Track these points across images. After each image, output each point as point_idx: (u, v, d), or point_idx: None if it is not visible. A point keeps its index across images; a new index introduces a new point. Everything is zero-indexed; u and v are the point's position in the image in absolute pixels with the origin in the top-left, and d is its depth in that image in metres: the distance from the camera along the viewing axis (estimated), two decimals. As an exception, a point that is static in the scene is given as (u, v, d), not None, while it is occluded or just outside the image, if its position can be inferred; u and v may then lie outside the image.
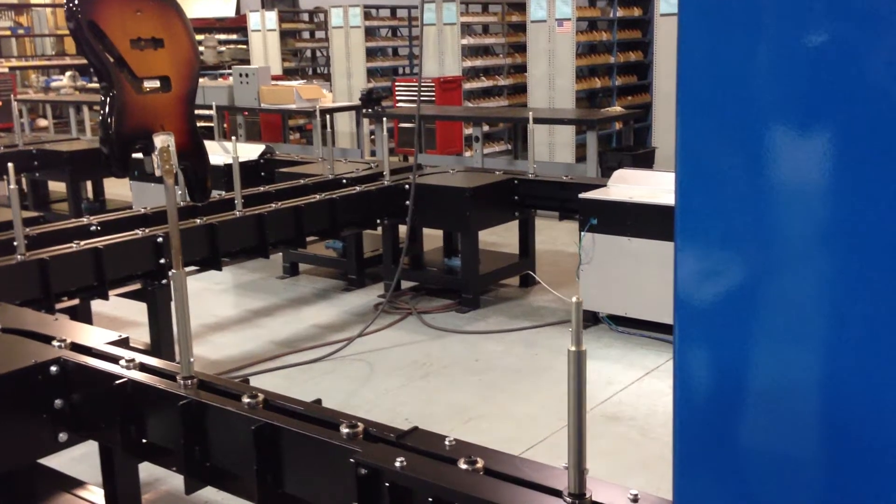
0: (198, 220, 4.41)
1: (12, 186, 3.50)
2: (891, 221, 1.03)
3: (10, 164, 3.56)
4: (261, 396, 2.22)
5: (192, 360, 2.36)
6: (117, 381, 2.35)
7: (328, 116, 7.08)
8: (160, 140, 2.23)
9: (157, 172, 2.28)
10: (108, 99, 2.28)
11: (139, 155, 2.41)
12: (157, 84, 2.37)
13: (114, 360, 2.49)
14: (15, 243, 3.67)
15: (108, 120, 2.28)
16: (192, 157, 2.49)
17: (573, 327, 1.55)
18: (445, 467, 1.89)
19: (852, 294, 1.07)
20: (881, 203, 1.03)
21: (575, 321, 1.54)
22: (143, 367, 2.45)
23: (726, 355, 1.16)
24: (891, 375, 1.07)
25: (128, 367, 2.42)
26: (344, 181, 5.49)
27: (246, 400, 2.20)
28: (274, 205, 4.81)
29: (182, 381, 2.32)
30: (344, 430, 2.03)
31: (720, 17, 1.10)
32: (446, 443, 1.98)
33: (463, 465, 1.87)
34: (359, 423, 2.06)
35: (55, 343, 2.54)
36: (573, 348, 1.57)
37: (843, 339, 1.09)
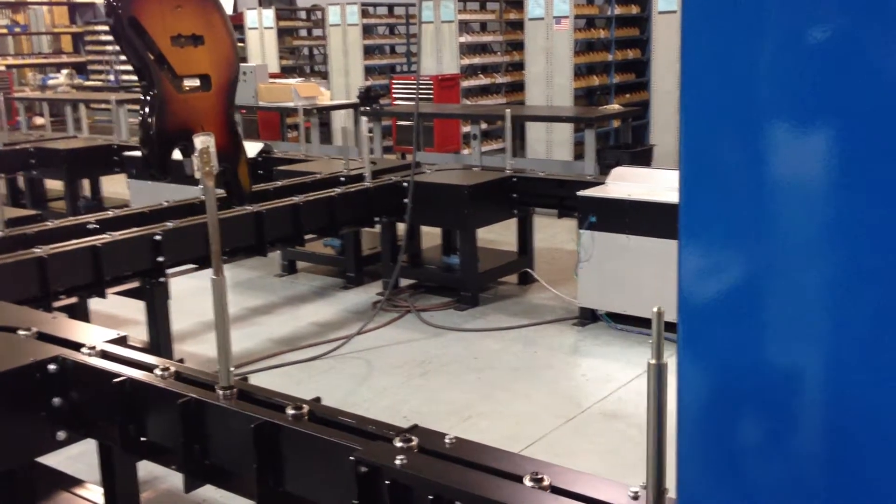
0: (195, 218, 4.40)
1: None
2: (894, 219, 1.03)
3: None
4: (305, 408, 2.10)
5: (231, 369, 2.24)
6: (116, 380, 2.34)
7: (353, 114, 7.04)
8: (200, 141, 2.12)
9: (197, 174, 2.18)
10: (148, 98, 2.20)
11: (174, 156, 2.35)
12: (196, 83, 2.28)
13: (147, 368, 2.38)
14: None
15: (149, 120, 2.20)
16: (231, 158, 2.41)
17: (653, 339, 1.41)
18: (446, 465, 1.89)
19: (856, 292, 1.07)
20: (886, 200, 1.03)
21: (656, 332, 1.41)
22: (180, 377, 2.35)
23: (729, 353, 1.16)
24: (895, 372, 1.06)
25: (163, 377, 2.32)
26: (342, 179, 5.48)
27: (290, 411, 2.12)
28: (272, 202, 4.80)
29: (221, 392, 2.20)
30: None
31: (724, 13, 1.09)
32: (446, 441, 1.97)
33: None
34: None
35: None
36: (653, 361, 1.42)
37: (847, 337, 1.08)
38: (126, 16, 2.12)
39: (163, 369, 2.37)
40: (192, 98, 2.26)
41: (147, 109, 2.22)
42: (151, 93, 2.21)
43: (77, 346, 2.53)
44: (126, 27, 2.13)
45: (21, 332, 2.59)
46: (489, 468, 1.87)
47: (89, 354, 2.48)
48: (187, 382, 2.32)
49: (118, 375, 2.36)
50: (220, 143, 2.20)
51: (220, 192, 2.33)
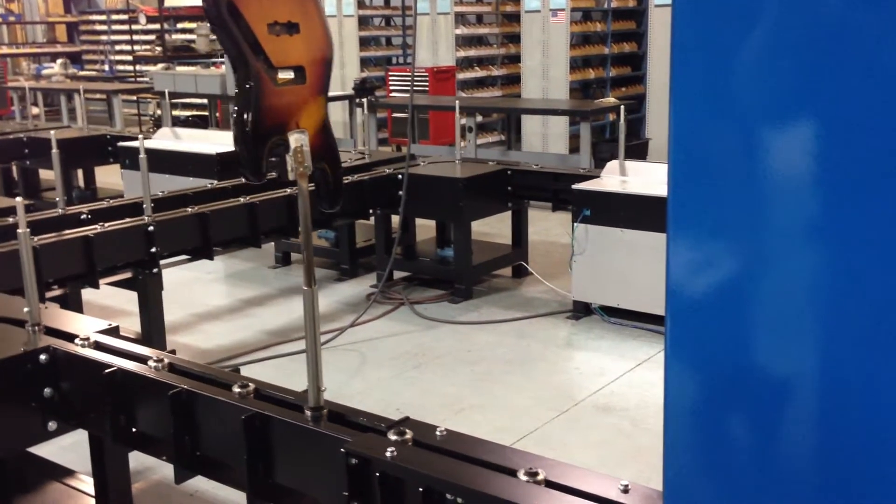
0: (189, 209, 4.39)
1: None
2: (884, 213, 1.03)
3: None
4: (410, 435, 1.97)
5: (323, 388, 2.10)
6: (107, 370, 2.34)
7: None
8: (294, 139, 1.97)
9: (291, 175, 2.01)
10: (245, 91, 2.00)
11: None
12: (291, 75, 2.06)
13: (225, 385, 2.24)
14: None
15: (245, 116, 1.99)
16: (325, 157, 2.16)
17: None
18: (437, 457, 1.89)
19: (844, 286, 1.07)
20: (874, 195, 1.02)
21: None
22: (260, 395, 2.21)
23: (718, 347, 1.15)
24: (882, 368, 1.06)
25: (244, 396, 2.17)
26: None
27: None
28: (266, 193, 4.79)
29: (309, 413, 2.07)
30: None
31: (714, 7, 1.09)
32: (438, 433, 1.97)
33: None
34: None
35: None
36: None
37: (836, 332, 1.08)
38: (225, 1, 1.97)
39: (241, 386, 2.25)
40: (287, 91, 2.08)
41: (243, 104, 2.02)
42: (248, 85, 2.02)
43: (69, 337, 2.53)
44: (226, 12, 1.97)
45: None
46: (481, 461, 1.86)
47: (81, 345, 2.48)
48: (272, 402, 2.18)
49: (109, 366, 2.35)
50: (314, 140, 2.05)
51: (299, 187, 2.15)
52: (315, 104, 2.14)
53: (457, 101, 7.02)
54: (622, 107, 5.55)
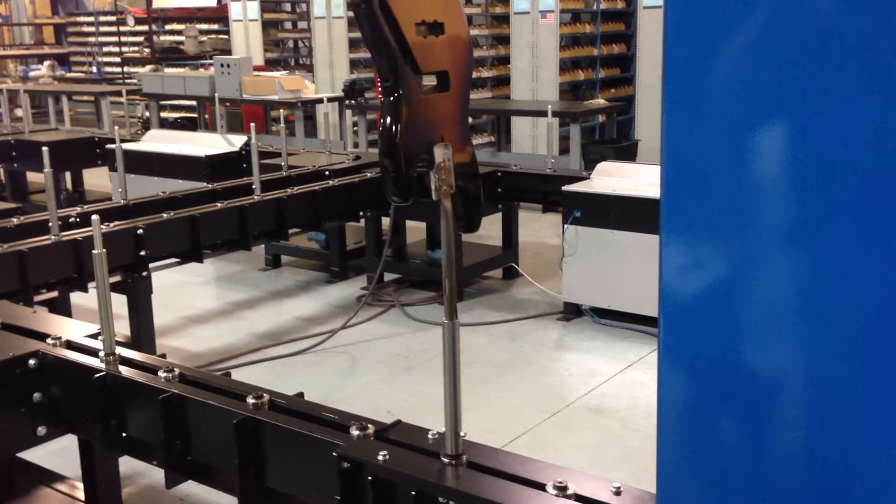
0: (175, 213, 4.37)
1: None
2: (870, 216, 1.03)
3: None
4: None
5: (463, 434, 1.89)
6: (97, 375, 2.32)
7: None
8: (438, 154, 1.76)
9: (435, 195, 1.79)
10: (394, 101, 1.76)
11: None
12: (434, 82, 1.82)
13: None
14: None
15: (394, 128, 1.75)
16: (467, 174, 1.90)
17: None
18: (428, 461, 1.88)
19: (837, 288, 1.07)
20: (869, 196, 1.03)
21: None
22: (380, 436, 2.00)
23: (711, 349, 1.16)
24: (870, 369, 1.07)
25: (364, 440, 1.98)
26: (326, 173, 5.46)
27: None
28: (256, 196, 4.78)
29: (447, 461, 1.87)
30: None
31: (706, 9, 1.09)
32: (429, 436, 1.97)
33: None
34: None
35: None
36: None
37: (828, 334, 1.09)
38: None
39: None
40: (433, 100, 1.83)
41: (391, 115, 1.78)
42: (397, 94, 1.77)
43: (58, 341, 2.51)
44: (379, 12, 1.72)
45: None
46: (472, 464, 1.86)
47: (70, 349, 2.46)
48: (407, 453, 1.94)
49: (99, 371, 2.34)
50: (457, 154, 1.82)
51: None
52: (459, 114, 1.88)
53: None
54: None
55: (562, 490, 1.73)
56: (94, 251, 2.36)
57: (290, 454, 2.09)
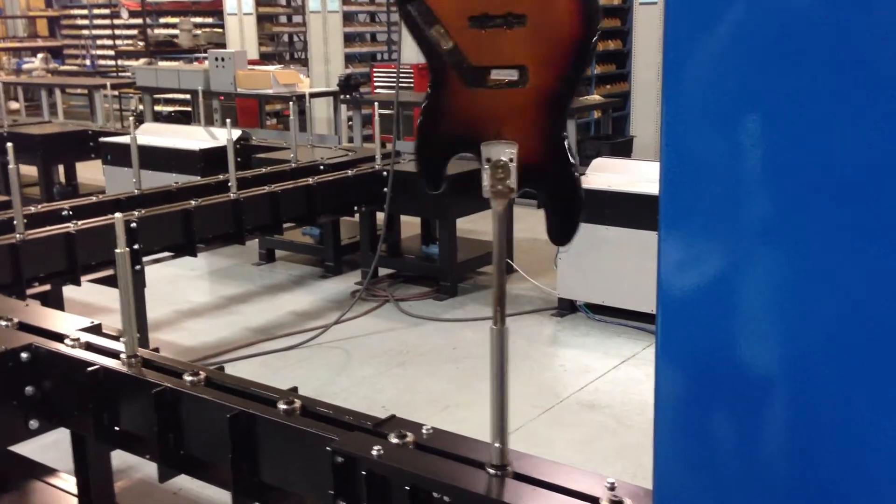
0: (171, 206, 4.36)
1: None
2: (866, 213, 1.03)
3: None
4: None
5: (508, 447, 1.81)
6: (89, 369, 2.31)
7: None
8: (494, 151, 1.71)
9: (486, 193, 1.77)
10: (427, 94, 1.74)
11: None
12: (502, 76, 1.73)
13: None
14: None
15: (420, 121, 1.76)
16: (553, 178, 1.82)
17: None
18: (423, 456, 1.88)
19: (836, 285, 1.07)
20: (865, 193, 1.03)
21: None
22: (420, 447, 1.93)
23: (709, 344, 1.15)
24: (871, 365, 1.07)
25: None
26: (321, 167, 5.45)
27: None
28: (250, 190, 4.76)
29: (493, 471, 1.80)
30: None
31: (707, 6, 1.09)
32: (424, 431, 1.96)
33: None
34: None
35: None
36: None
37: (825, 329, 1.08)
38: None
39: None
40: (484, 95, 1.75)
41: (424, 108, 1.75)
42: (429, 87, 1.75)
43: (50, 335, 2.50)
44: (411, 10, 1.69)
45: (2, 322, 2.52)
46: (466, 459, 1.86)
47: (63, 343, 2.45)
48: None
49: (92, 364, 2.33)
50: (532, 153, 1.75)
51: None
52: (537, 110, 1.77)
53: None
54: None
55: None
56: (116, 250, 2.30)
57: (285, 449, 2.08)
